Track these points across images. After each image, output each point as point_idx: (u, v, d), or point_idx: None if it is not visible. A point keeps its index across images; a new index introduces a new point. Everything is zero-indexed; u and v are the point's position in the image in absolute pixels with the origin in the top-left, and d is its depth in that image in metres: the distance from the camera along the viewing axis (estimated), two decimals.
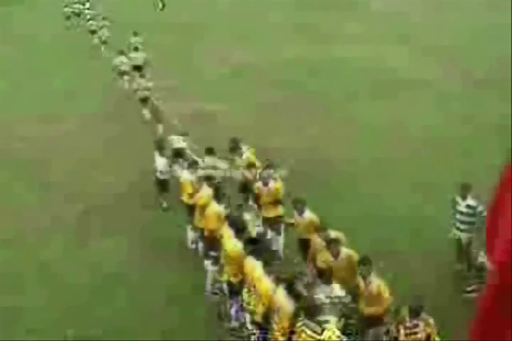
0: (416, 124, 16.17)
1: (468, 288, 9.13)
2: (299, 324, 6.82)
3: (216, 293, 9.44)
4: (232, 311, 8.73)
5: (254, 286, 7.71)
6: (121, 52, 20.31)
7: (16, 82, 22.18)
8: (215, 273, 9.40)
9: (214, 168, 11.20)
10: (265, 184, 10.13)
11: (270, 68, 21.61)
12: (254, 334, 7.81)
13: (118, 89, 19.60)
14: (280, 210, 10.23)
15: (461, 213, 9.31)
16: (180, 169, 11.59)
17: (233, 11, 32.29)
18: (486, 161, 12.36)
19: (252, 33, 27.13)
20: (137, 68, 19.54)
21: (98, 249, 11.19)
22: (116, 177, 13.90)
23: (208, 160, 11.50)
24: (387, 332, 7.33)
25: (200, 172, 10.66)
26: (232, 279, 8.50)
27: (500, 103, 16.78)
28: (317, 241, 8.55)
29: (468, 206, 9.20)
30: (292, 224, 9.54)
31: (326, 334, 6.63)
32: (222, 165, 11.36)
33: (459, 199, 9.32)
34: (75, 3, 32.17)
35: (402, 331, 7.02)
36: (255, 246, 8.23)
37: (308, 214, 9.13)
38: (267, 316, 7.46)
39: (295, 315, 6.98)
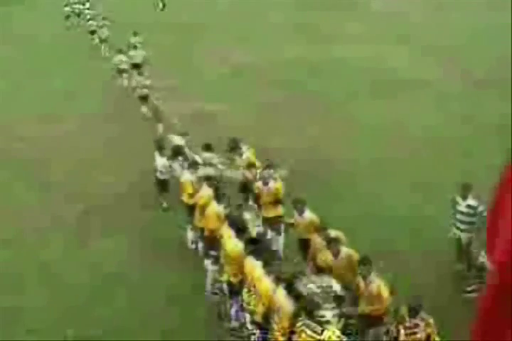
0: (416, 124, 16.17)
1: (468, 288, 9.13)
2: (299, 324, 6.82)
3: (216, 293, 9.44)
4: (232, 311, 8.74)
5: (254, 286, 7.71)
6: (120, 51, 20.44)
7: (15, 82, 22.18)
8: (215, 273, 9.41)
9: (212, 165, 11.23)
10: (265, 183, 10.14)
11: (270, 68, 21.60)
12: (254, 334, 7.81)
13: (118, 89, 19.61)
14: (280, 210, 10.23)
15: (462, 213, 9.31)
16: (180, 168, 11.60)
17: (233, 11, 32.28)
18: (486, 161, 12.35)
19: (252, 33, 27.11)
20: (136, 66, 19.61)
21: (98, 249, 11.19)
22: (116, 177, 13.90)
23: (206, 156, 11.54)
24: (387, 332, 7.32)
25: (201, 173, 10.66)
26: (232, 279, 8.50)
27: (500, 103, 16.77)
28: (317, 240, 8.56)
29: (468, 206, 9.20)
30: (292, 225, 9.54)
31: (326, 334, 6.63)
32: (219, 161, 11.42)
33: (459, 199, 9.32)
34: (75, 3, 32.13)
35: (402, 331, 7.01)
36: (255, 246, 8.23)
37: (308, 214, 9.14)
38: (267, 316, 7.46)
39: (295, 315, 6.98)
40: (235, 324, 8.73)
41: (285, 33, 26.84)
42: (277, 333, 7.16)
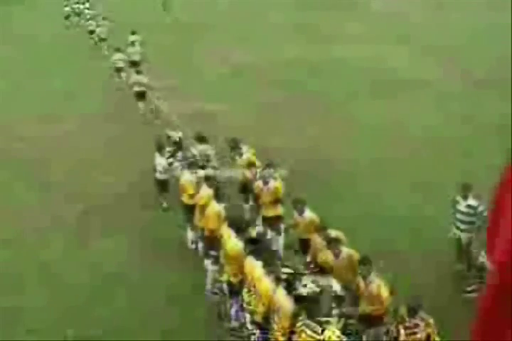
0: (416, 124, 16.17)
1: (468, 288, 9.13)
2: (299, 324, 6.81)
3: (216, 293, 9.43)
4: (232, 311, 8.73)
5: (254, 286, 7.70)
6: (119, 50, 20.52)
7: (15, 82, 22.19)
8: (215, 273, 9.40)
9: (208, 157, 11.41)
10: (265, 183, 10.13)
11: (270, 68, 21.61)
12: (254, 334, 7.80)
13: (118, 89, 19.61)
14: (280, 210, 10.23)
15: (462, 213, 9.31)
16: (180, 168, 11.62)
17: (233, 11, 32.30)
18: (486, 161, 12.36)
19: (252, 33, 27.13)
20: (134, 64, 19.63)
21: (98, 249, 11.19)
22: (116, 177, 13.90)
23: (201, 148, 11.68)
24: (387, 332, 7.32)
25: (201, 173, 10.67)
26: (232, 279, 8.49)
27: (500, 103, 16.78)
28: (317, 240, 8.55)
29: (469, 206, 9.20)
30: (292, 226, 9.53)
31: (326, 334, 6.62)
32: (213, 152, 11.67)
33: (459, 198, 9.32)
34: (75, 2, 32.18)
35: (402, 331, 7.01)
36: (255, 246, 8.23)
37: (309, 214, 9.13)
38: (267, 316, 7.45)
39: (295, 315, 6.98)
40: (235, 324, 8.73)
41: (285, 33, 26.86)
42: (277, 333, 7.15)
